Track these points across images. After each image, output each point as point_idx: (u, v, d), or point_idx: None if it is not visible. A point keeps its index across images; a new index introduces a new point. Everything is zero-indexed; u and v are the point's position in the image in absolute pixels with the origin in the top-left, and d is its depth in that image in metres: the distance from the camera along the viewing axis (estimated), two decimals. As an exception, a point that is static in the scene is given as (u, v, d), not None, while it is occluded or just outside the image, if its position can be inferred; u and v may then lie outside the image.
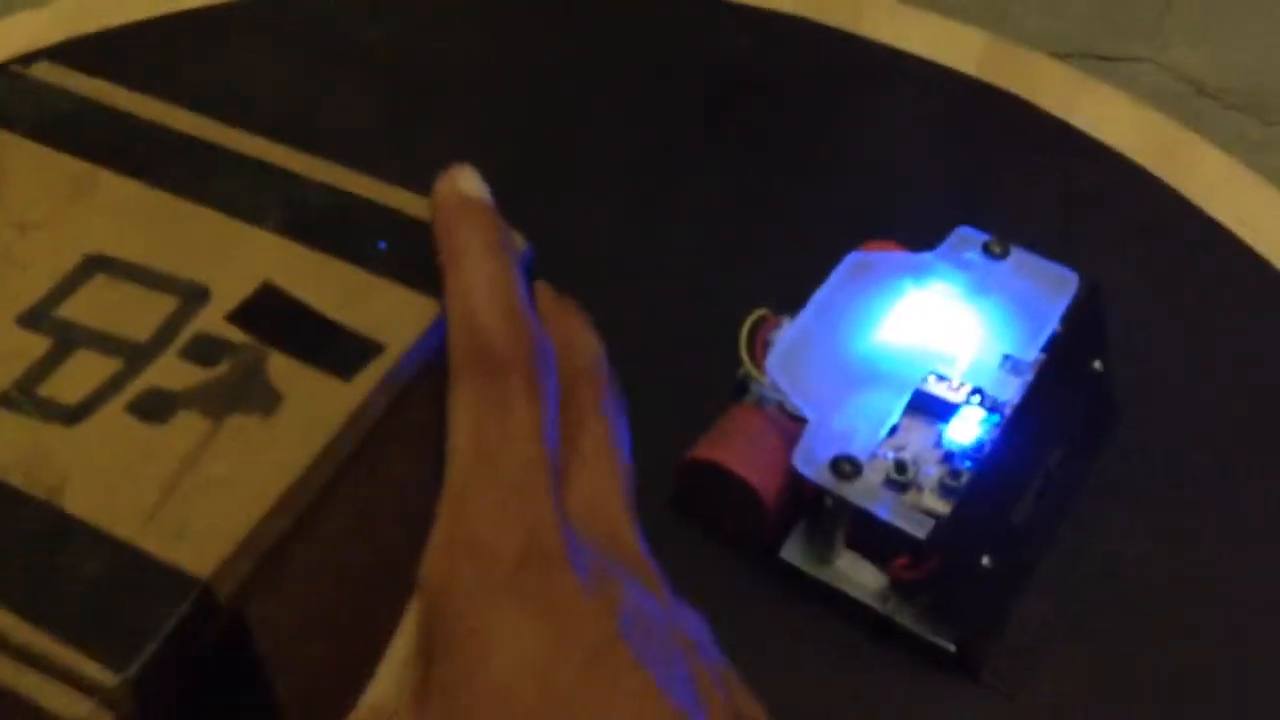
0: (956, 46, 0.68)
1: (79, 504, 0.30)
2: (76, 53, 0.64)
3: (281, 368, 0.33)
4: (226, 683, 0.31)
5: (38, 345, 0.33)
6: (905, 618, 0.43)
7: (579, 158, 0.62)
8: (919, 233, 0.50)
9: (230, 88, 0.64)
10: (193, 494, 0.30)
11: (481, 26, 0.69)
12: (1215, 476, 0.49)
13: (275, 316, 0.34)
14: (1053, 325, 0.46)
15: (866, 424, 0.43)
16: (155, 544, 0.29)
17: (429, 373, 0.34)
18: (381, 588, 0.32)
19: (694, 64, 0.67)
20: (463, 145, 0.61)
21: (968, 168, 0.62)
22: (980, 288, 0.47)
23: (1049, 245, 0.50)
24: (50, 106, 0.40)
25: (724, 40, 0.68)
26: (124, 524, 0.29)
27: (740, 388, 0.47)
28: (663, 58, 0.67)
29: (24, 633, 0.27)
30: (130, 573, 0.28)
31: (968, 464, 0.41)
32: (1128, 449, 0.49)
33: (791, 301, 0.48)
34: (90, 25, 0.67)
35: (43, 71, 0.42)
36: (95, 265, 0.35)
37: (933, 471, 0.41)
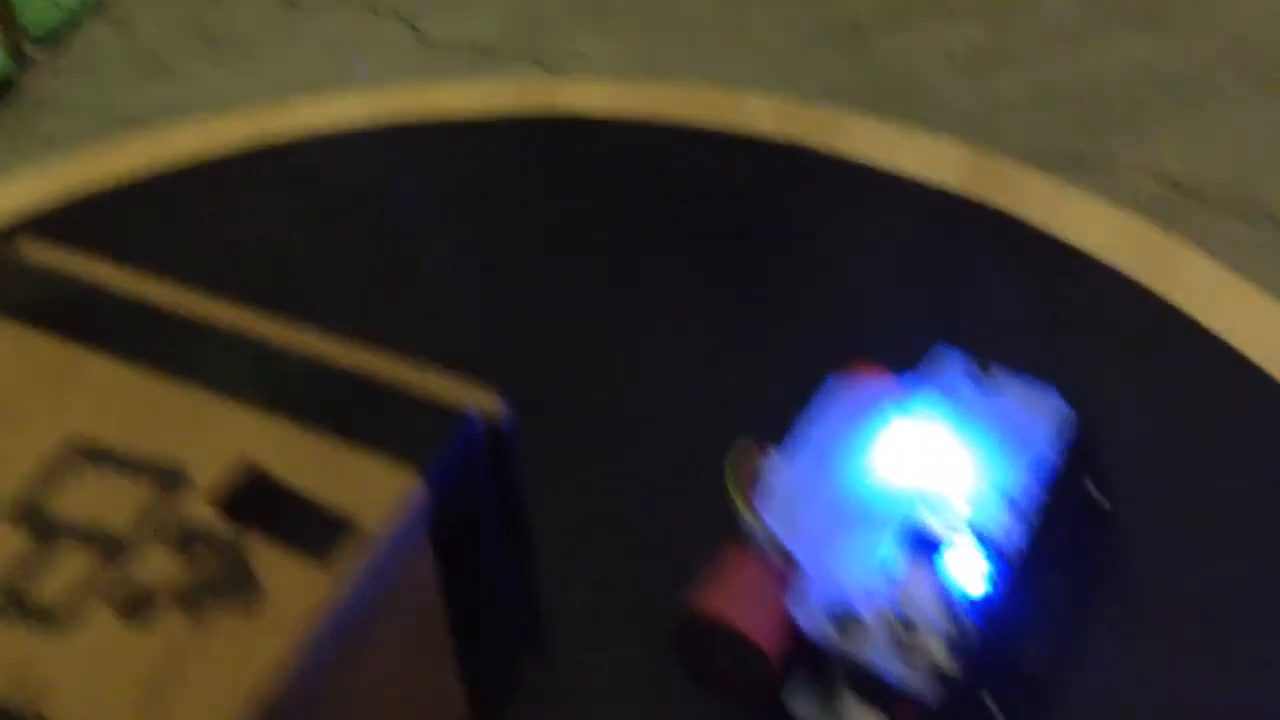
0: (937, 161, 0.68)
1: (61, 712, 0.29)
2: (67, 213, 0.65)
3: (261, 553, 0.33)
4: None
5: (20, 541, 0.33)
6: (909, 760, 0.42)
7: (559, 288, 0.62)
8: (902, 352, 0.50)
9: (218, 239, 0.65)
10: (172, 699, 0.30)
11: (455, 163, 0.70)
12: (1215, 595, 0.48)
13: (254, 499, 0.34)
14: (1050, 459, 0.45)
15: (862, 568, 0.42)
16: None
17: (405, 549, 0.34)
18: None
19: (674, 188, 0.68)
20: (438, 289, 0.61)
21: (950, 283, 0.62)
22: (967, 413, 0.47)
23: (1034, 359, 0.50)
24: (33, 287, 0.41)
25: (705, 164, 0.69)
26: (107, 732, 0.29)
27: (732, 527, 0.47)
28: (643, 184, 0.68)
29: None
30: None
31: (975, 619, 0.41)
32: (1128, 576, 0.49)
33: (775, 426, 0.48)
34: (82, 178, 0.69)
35: (28, 249, 0.43)
36: (76, 451, 0.36)
37: (939, 626, 0.41)
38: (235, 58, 1.54)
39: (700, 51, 1.36)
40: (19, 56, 1.63)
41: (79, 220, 0.66)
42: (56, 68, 1.62)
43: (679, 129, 0.72)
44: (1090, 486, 0.48)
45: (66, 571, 0.33)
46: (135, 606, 0.32)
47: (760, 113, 0.72)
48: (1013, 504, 0.44)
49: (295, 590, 0.32)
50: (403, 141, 0.72)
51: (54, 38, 1.68)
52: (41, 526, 0.34)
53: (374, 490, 0.34)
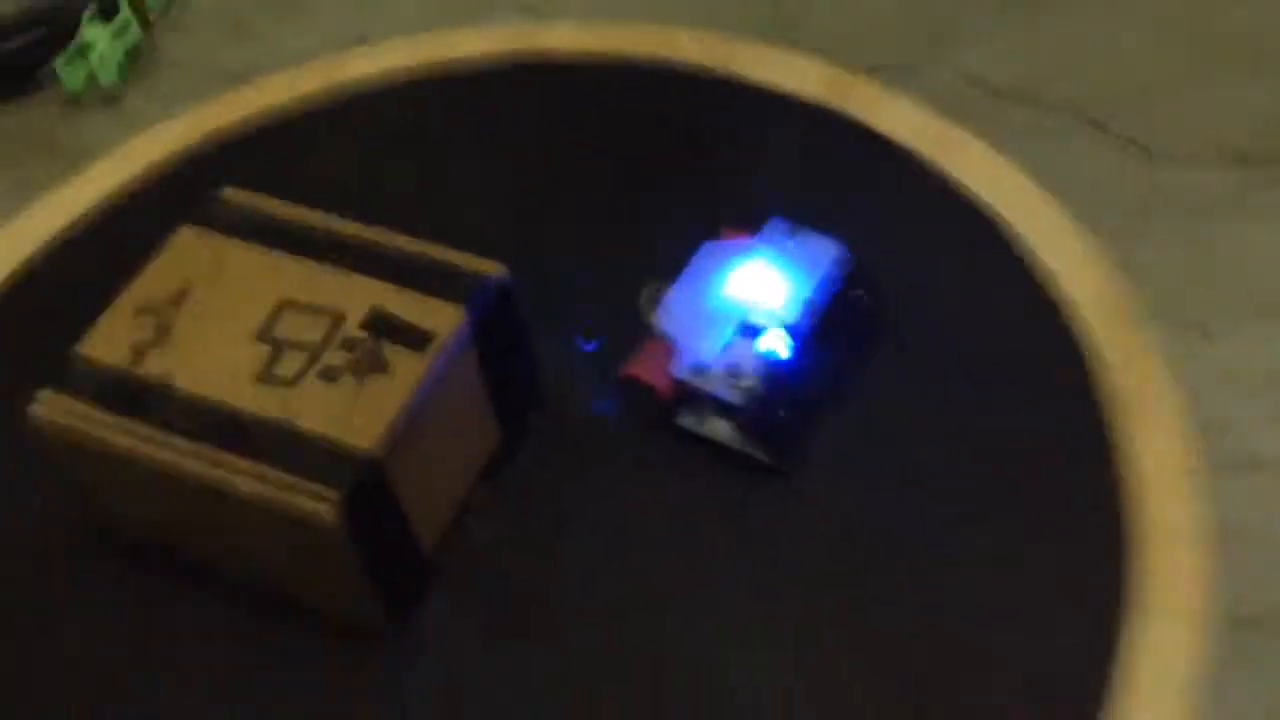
0: (799, 74, 0.98)
1: (306, 421, 0.63)
2: (213, 154, 0.97)
3: (389, 351, 0.66)
4: (379, 499, 0.64)
5: (265, 350, 0.67)
6: (747, 447, 0.75)
7: (545, 193, 0.94)
8: (757, 223, 0.82)
9: (325, 175, 0.96)
10: (354, 415, 0.63)
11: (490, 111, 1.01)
12: (948, 352, 0.80)
13: (382, 325, 0.67)
14: (833, 278, 0.77)
15: (715, 345, 0.75)
16: (346, 436, 0.62)
17: (460, 348, 0.67)
18: (452, 459, 0.65)
19: (619, 119, 0.98)
20: (480, 202, 0.93)
21: (791, 172, 0.93)
22: (785, 255, 0.79)
23: (836, 222, 0.81)
24: (239, 218, 0.73)
25: (639, 91, 0.99)
26: (329, 430, 0.63)
27: (651, 329, 0.79)
28: (582, 114, 0.99)
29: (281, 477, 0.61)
30: (337, 450, 0.62)
31: (777, 367, 0.74)
32: (887, 346, 0.81)
33: (672, 270, 0.80)
34: (214, 125, 1.00)
35: (230, 194, 0.75)
36: (284, 306, 0.69)
37: (756, 372, 0.74)
38: (302, 15, 1.82)
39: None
40: (145, 23, 1.89)
41: (221, 155, 0.98)
42: (170, 27, 1.88)
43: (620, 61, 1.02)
44: (862, 295, 0.80)
45: (292, 363, 0.66)
46: (329, 375, 0.65)
47: (685, 44, 1.03)
48: (806, 303, 0.76)
49: (408, 367, 0.65)
50: (430, 88, 1.03)
51: (165, 5, 1.93)
52: (274, 342, 0.67)
53: (443, 318, 0.67)
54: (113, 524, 0.74)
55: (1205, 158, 1.46)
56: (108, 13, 1.78)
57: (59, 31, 1.76)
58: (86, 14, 1.76)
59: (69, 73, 1.70)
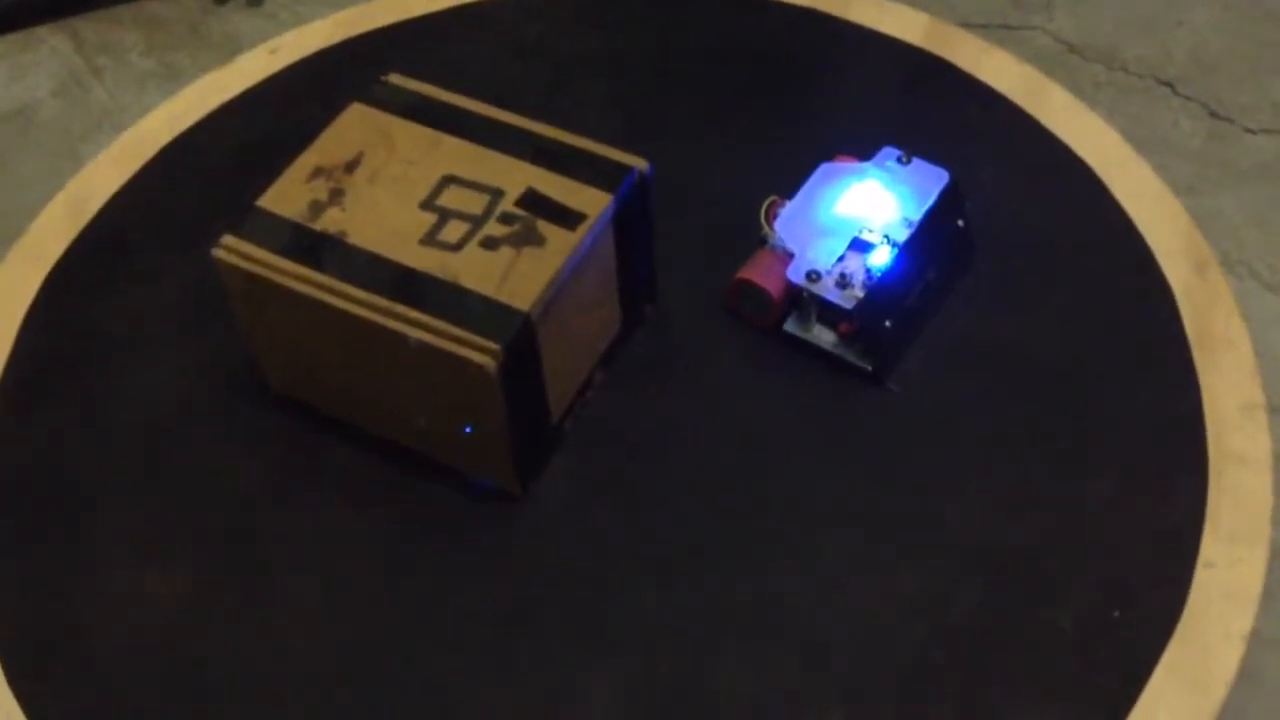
0: (907, 24, 1.04)
1: (468, 281, 0.70)
2: (354, 48, 1.04)
3: (543, 226, 0.72)
4: (528, 357, 0.71)
5: (431, 217, 0.73)
6: (849, 355, 0.82)
7: (672, 105, 1.00)
8: (867, 148, 0.88)
9: (463, 76, 1.03)
10: (511, 279, 0.70)
11: (614, 33, 1.07)
12: (1037, 282, 0.86)
13: (536, 203, 0.73)
14: (934, 202, 0.84)
15: (828, 256, 0.81)
16: (504, 296, 0.69)
17: (603, 228, 0.74)
18: (583, 336, 0.72)
19: (726, 48, 1.04)
20: (601, 114, 0.99)
21: (902, 107, 0.99)
22: (895, 180, 0.85)
23: (944, 155, 0.87)
24: (405, 99, 0.80)
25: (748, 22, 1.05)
26: (489, 290, 0.69)
27: (762, 240, 0.85)
28: (700, 41, 1.05)
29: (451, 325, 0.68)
30: (496, 308, 0.69)
31: (881, 279, 0.80)
32: (980, 273, 0.87)
33: (791, 187, 0.86)
34: (360, 29, 1.06)
35: (395, 79, 0.82)
36: (448, 180, 0.75)
37: (862, 281, 0.80)
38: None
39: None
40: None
41: (363, 54, 1.04)
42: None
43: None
44: (958, 220, 0.86)
45: (455, 231, 0.72)
46: (489, 244, 0.72)
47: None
48: (908, 222, 0.83)
49: (560, 241, 0.72)
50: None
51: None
52: (439, 212, 0.73)
53: (591, 201, 0.73)
54: (272, 374, 0.81)
55: (1265, 120, 1.54)
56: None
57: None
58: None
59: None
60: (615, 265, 0.77)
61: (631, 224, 0.77)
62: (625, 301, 0.81)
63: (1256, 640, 0.71)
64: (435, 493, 0.78)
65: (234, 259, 0.73)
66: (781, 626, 0.72)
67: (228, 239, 0.73)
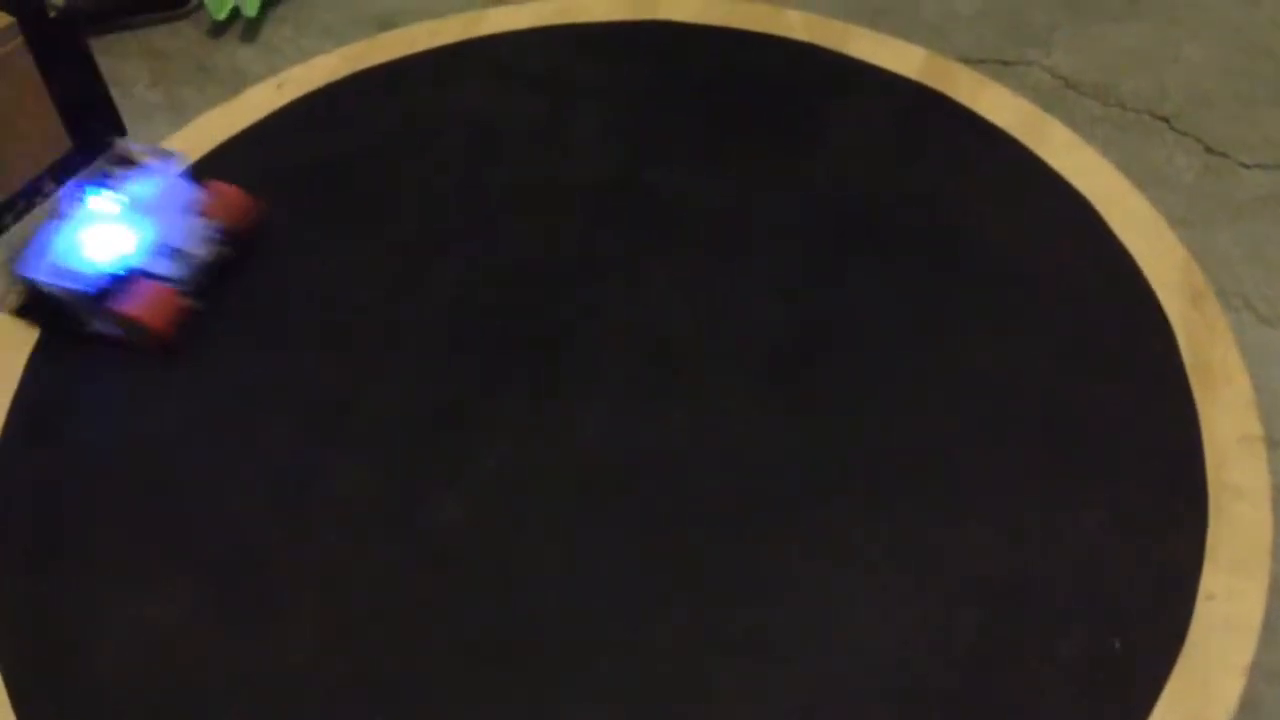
0: (903, 58, 1.06)
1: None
2: (360, 82, 1.05)
3: None
4: None
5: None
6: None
7: (672, 138, 1.01)
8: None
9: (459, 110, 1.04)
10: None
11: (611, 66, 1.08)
12: (1035, 314, 0.87)
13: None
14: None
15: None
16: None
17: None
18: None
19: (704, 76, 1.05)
20: (594, 138, 1.00)
21: (899, 142, 1.00)
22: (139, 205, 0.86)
23: (940, 187, 0.88)
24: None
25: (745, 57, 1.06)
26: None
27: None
28: (700, 75, 1.06)
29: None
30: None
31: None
32: (978, 305, 0.88)
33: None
34: (366, 63, 1.08)
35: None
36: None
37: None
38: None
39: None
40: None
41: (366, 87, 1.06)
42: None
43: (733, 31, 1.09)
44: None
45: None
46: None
47: (793, 22, 1.10)
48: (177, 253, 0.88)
49: None
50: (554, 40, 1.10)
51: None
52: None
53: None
54: None
55: (1259, 155, 1.58)
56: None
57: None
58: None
59: (215, 2, 1.82)
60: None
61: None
62: (72, 123, 0.99)
63: (1257, 672, 0.71)
64: (430, 519, 0.78)
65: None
66: (780, 658, 0.72)
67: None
